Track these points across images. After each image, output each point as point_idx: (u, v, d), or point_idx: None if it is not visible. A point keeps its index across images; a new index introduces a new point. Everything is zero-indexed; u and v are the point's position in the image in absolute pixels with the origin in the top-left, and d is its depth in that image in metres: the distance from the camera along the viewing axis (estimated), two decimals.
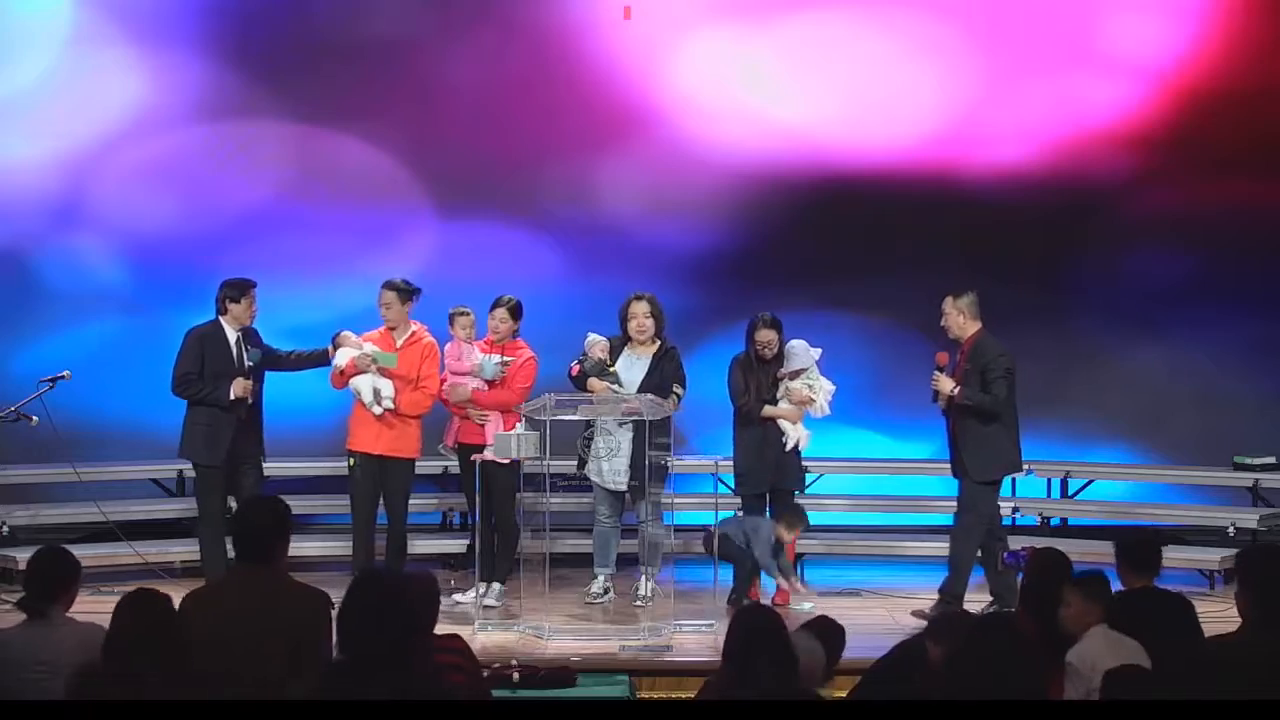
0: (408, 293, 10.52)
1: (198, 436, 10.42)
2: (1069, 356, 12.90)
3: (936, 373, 10.16)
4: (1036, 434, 12.79)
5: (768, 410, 10.59)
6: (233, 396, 10.33)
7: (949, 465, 10.46)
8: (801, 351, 10.65)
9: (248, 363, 10.42)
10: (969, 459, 10.15)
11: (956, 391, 10.03)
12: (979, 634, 5.56)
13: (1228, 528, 11.56)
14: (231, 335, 10.46)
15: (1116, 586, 6.91)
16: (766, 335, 10.62)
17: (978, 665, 5.30)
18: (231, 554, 8.33)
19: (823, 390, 10.67)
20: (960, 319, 10.16)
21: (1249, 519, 11.70)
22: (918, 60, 12.92)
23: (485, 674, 6.92)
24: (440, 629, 6.18)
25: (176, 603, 5.89)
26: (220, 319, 10.49)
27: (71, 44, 12.79)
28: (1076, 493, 12.70)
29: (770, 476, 10.64)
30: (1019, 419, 10.30)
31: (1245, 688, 5.34)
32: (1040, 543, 9.94)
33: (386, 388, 10.39)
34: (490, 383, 10.51)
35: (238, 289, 10.48)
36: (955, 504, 10.41)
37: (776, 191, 12.90)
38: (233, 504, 10.30)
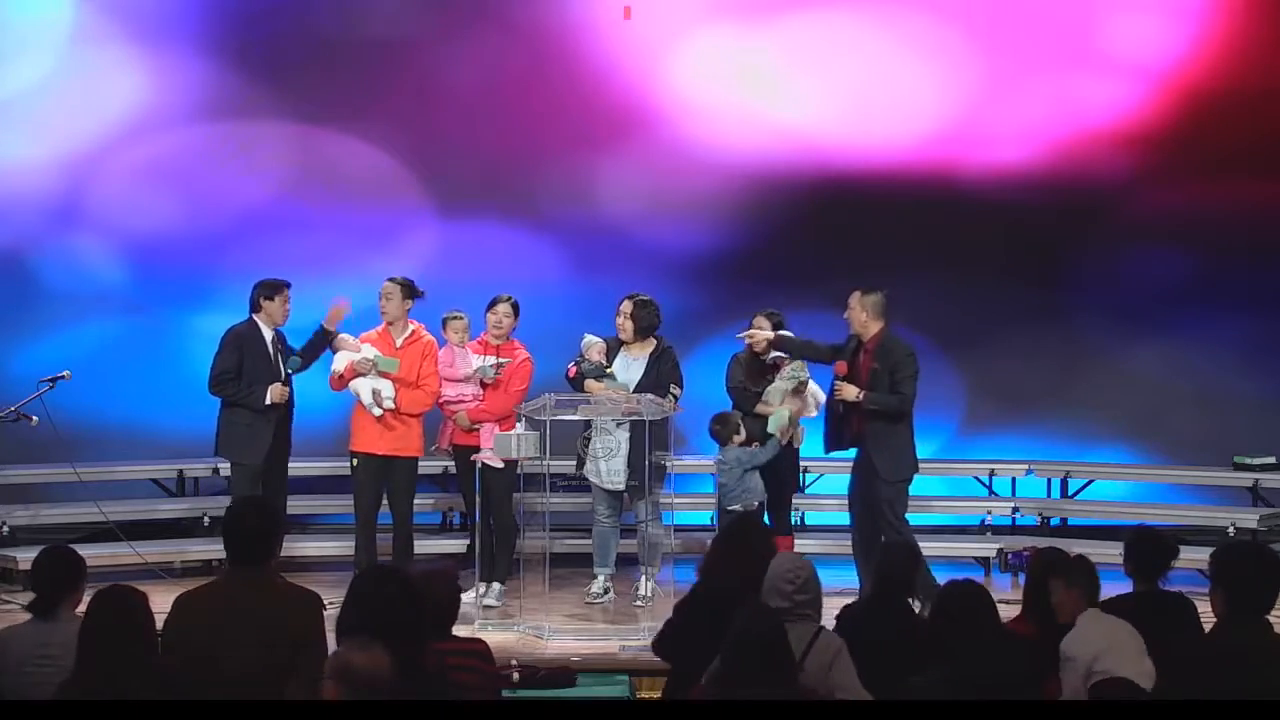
0: (409, 288, 10.53)
1: (238, 436, 10.42)
2: (1069, 356, 12.91)
3: (838, 382, 10.10)
4: (1037, 434, 12.84)
5: (760, 407, 10.55)
6: (269, 402, 10.34)
7: (851, 465, 10.41)
8: None
9: (286, 370, 10.43)
10: (880, 461, 10.07)
11: (861, 397, 9.99)
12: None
13: (1228, 528, 11.55)
14: (268, 334, 10.47)
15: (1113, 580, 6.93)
16: (760, 325, 10.60)
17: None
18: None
19: (813, 395, 10.62)
20: (863, 316, 10.10)
21: (1249, 519, 11.70)
22: (918, 61, 12.93)
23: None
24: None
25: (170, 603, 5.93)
26: (255, 318, 10.50)
27: (72, 44, 12.80)
28: (1077, 493, 12.71)
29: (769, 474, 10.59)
30: (916, 421, 10.24)
31: (1220, 686, 5.34)
32: (1042, 543, 9.97)
33: (387, 388, 10.39)
34: (486, 385, 10.52)
35: (272, 288, 10.49)
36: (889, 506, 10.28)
37: (776, 192, 12.90)
38: None
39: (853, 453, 10.61)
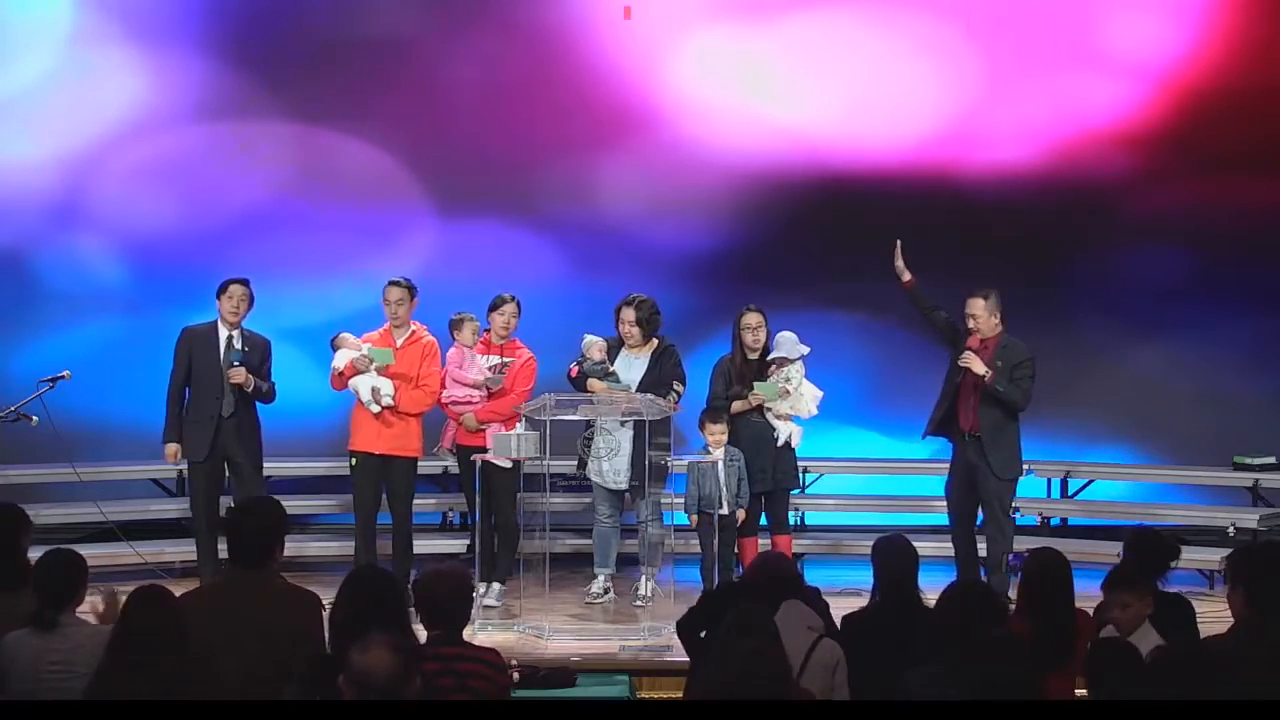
0: (413, 291, 10.54)
1: (186, 434, 10.51)
2: (1069, 356, 12.88)
3: (968, 352, 10.15)
4: (1037, 433, 12.81)
5: (736, 405, 10.56)
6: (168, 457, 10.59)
7: (949, 465, 10.45)
8: (787, 342, 10.64)
9: (233, 361, 10.41)
10: (994, 456, 10.16)
11: (988, 376, 10.04)
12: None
13: (1228, 528, 11.56)
14: (224, 334, 10.49)
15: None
16: (753, 318, 10.62)
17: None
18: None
19: (809, 394, 10.64)
20: (993, 319, 10.21)
21: (1249, 519, 11.70)
22: (918, 60, 12.92)
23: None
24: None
25: None
26: (217, 318, 10.55)
27: (72, 43, 12.80)
28: (1077, 492, 12.71)
29: (769, 476, 10.60)
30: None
31: (1239, 688, 5.32)
32: (1040, 543, 9.97)
33: (386, 386, 10.40)
34: (492, 390, 10.54)
35: (220, 287, 10.54)
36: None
37: (776, 192, 12.90)
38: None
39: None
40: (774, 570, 7.07)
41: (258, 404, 10.61)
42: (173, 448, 10.55)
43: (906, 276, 10.50)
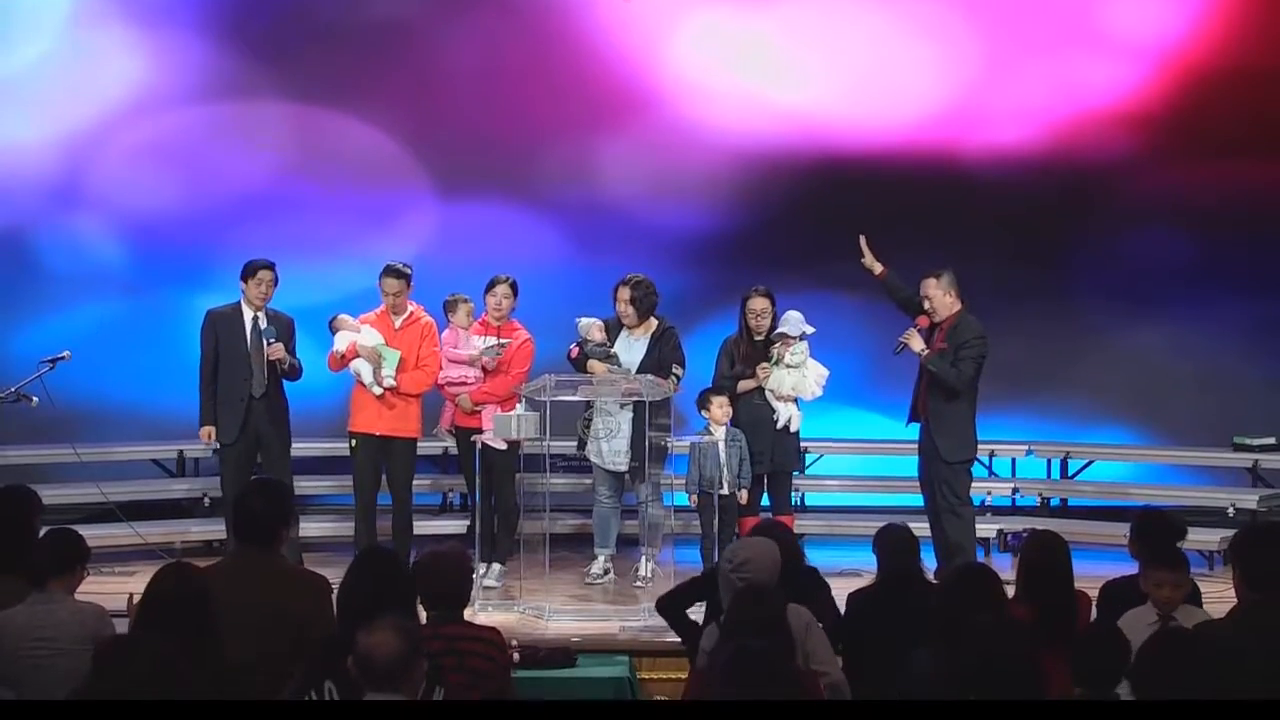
0: (409, 278, 10.52)
1: (219, 415, 10.51)
2: (1069, 337, 12.90)
3: (911, 329, 10.12)
4: (1037, 414, 12.84)
5: (742, 385, 10.56)
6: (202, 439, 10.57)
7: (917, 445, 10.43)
8: (792, 320, 10.63)
9: (266, 340, 10.41)
10: (940, 440, 10.11)
11: (924, 354, 10.01)
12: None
13: (1227, 508, 11.58)
14: (248, 315, 10.49)
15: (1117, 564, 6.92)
16: (759, 303, 10.61)
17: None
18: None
19: (814, 374, 10.62)
20: (947, 298, 10.14)
21: (1248, 499, 11.71)
22: (918, 41, 12.91)
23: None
24: None
25: None
26: (241, 300, 10.55)
27: (72, 24, 12.79)
28: (1076, 473, 12.71)
29: (767, 458, 10.59)
30: (977, 405, 10.25)
31: (1241, 674, 5.30)
32: (1039, 524, 9.97)
33: (388, 366, 10.39)
34: (488, 369, 10.54)
35: (246, 269, 10.53)
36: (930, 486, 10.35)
37: (776, 173, 12.89)
38: None
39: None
40: (775, 536, 7.03)
41: (285, 383, 10.63)
42: (208, 429, 10.55)
43: (878, 269, 10.50)
